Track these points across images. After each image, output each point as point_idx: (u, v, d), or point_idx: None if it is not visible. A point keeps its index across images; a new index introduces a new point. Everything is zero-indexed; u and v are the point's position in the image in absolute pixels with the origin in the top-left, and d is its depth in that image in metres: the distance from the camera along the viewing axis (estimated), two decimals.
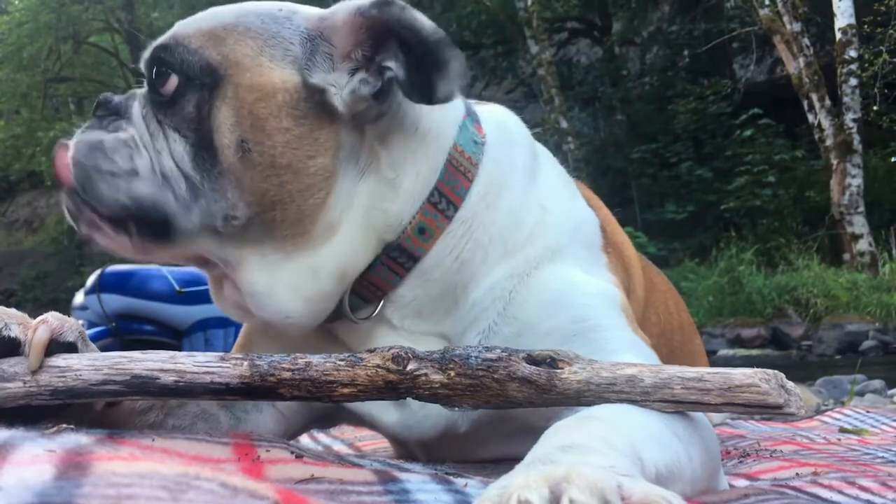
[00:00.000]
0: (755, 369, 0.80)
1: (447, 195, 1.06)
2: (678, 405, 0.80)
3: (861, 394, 3.87)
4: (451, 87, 0.97)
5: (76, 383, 0.77)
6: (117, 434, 0.79)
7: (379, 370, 0.81)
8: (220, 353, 0.82)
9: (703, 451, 0.83)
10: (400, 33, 0.98)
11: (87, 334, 0.86)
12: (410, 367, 0.81)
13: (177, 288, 4.65)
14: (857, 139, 10.85)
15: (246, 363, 0.80)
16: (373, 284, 1.06)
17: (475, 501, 0.53)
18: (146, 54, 1.07)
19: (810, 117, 11.37)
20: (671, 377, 0.80)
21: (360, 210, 1.03)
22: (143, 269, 4.70)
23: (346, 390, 0.81)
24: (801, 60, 11.18)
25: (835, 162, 10.95)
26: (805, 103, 11.36)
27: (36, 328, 0.79)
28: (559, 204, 1.15)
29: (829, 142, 11.04)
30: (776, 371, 0.80)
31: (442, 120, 1.08)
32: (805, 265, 10.69)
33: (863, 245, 10.76)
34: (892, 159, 12.26)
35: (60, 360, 0.78)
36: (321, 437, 1.85)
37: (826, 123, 11.03)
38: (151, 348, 0.83)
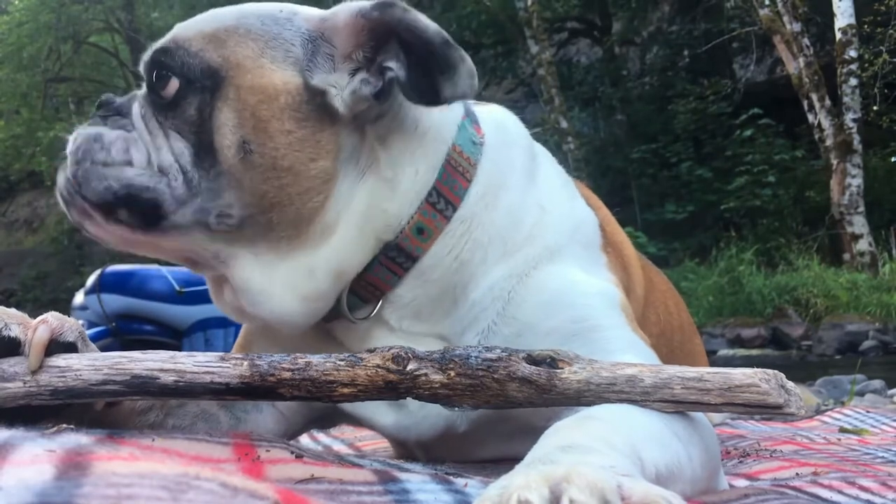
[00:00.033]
0: (755, 369, 0.80)
1: (445, 195, 1.06)
2: (678, 405, 0.80)
3: (861, 394, 3.87)
4: (461, 90, 0.97)
5: (76, 383, 0.77)
6: (117, 434, 0.79)
7: (379, 370, 0.81)
8: (220, 353, 0.82)
9: (703, 451, 0.83)
10: (402, 34, 0.98)
11: (87, 334, 0.86)
12: (410, 367, 0.81)
13: (177, 288, 4.65)
14: (857, 139, 10.85)
15: (246, 363, 0.80)
16: (371, 284, 1.06)
17: (475, 501, 0.53)
18: (146, 57, 1.07)
19: (810, 117, 11.37)
20: (671, 377, 0.80)
21: (359, 210, 1.03)
22: (143, 269, 4.70)
23: (346, 390, 0.81)
24: (801, 60, 11.18)
25: (835, 162, 10.95)
26: (805, 103, 11.36)
27: (36, 328, 0.79)
28: (558, 204, 1.15)
29: (829, 142, 11.04)
30: (776, 371, 0.80)
31: (441, 120, 1.08)
32: (805, 265, 10.69)
33: (863, 245, 10.76)
34: (892, 159, 12.26)
35: (60, 360, 0.78)
36: (321, 437, 1.85)
37: (826, 123, 11.03)
38: (151, 348, 0.83)
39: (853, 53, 10.94)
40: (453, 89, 0.97)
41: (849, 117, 10.91)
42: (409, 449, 1.23)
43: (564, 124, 13.93)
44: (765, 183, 12.27)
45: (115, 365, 0.78)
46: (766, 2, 11.61)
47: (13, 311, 0.82)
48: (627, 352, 0.98)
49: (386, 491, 0.71)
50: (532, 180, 1.14)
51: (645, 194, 14.21)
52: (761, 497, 0.84)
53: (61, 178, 1.05)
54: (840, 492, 0.92)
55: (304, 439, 1.68)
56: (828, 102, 11.04)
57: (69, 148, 1.04)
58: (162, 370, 0.78)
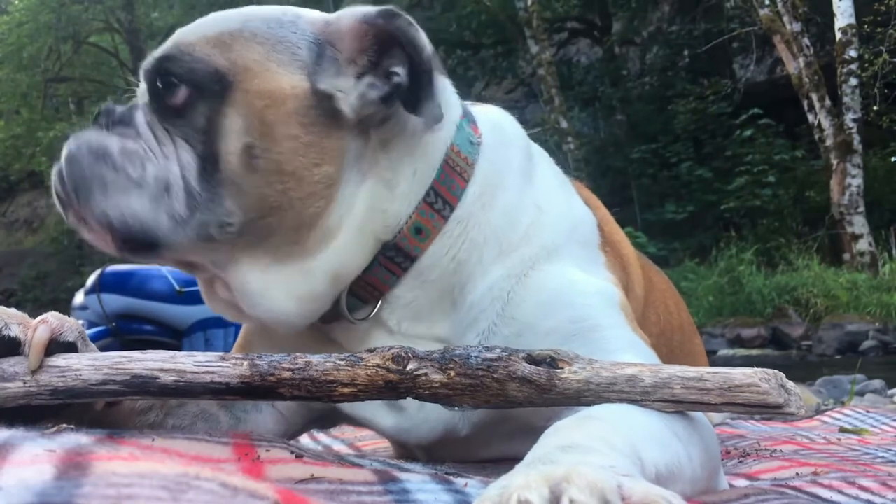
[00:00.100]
0: (755, 369, 0.80)
1: (443, 195, 1.06)
2: (678, 405, 0.80)
3: (861, 394, 3.87)
4: (437, 112, 1.01)
5: (76, 383, 0.77)
6: (117, 434, 0.78)
7: (379, 370, 0.81)
8: (220, 353, 0.82)
9: (702, 450, 0.83)
10: (404, 46, 0.99)
11: (87, 334, 0.86)
12: (410, 366, 0.81)
13: (177, 288, 4.65)
14: (857, 139, 10.85)
15: (246, 363, 0.80)
16: (370, 285, 1.06)
17: (475, 501, 0.53)
18: (147, 65, 1.05)
19: (810, 117, 11.37)
20: (671, 377, 0.80)
21: (360, 213, 1.03)
22: (143, 269, 4.70)
23: (346, 390, 0.81)
24: (801, 60, 11.18)
25: (835, 162, 10.95)
26: (805, 103, 11.35)
27: (36, 328, 0.79)
28: (555, 204, 1.15)
29: (829, 142, 11.04)
30: (776, 371, 0.80)
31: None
32: (805, 265, 10.69)
33: (863, 245, 10.76)
34: (892, 159, 12.26)
35: (60, 360, 0.78)
36: (321, 437, 1.85)
37: (826, 123, 11.03)
38: (151, 348, 0.83)
39: (853, 53, 10.94)
40: (432, 110, 1.01)
41: (849, 117, 10.91)
42: (410, 449, 1.23)
43: (564, 124, 13.93)
44: (765, 183, 12.27)
45: (115, 365, 0.78)
46: (766, 2, 11.61)
47: (13, 311, 0.82)
48: (627, 351, 0.98)
49: (386, 491, 0.71)
50: (529, 180, 1.15)
51: (645, 194, 14.21)
52: (761, 497, 0.84)
53: (57, 178, 1.03)
54: (840, 492, 0.92)
55: (304, 439, 1.68)
56: (828, 102, 11.04)
57: (66, 152, 1.02)
58: (162, 370, 0.78)
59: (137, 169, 1.00)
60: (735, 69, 15.59)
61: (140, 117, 1.04)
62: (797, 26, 11.29)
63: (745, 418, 2.08)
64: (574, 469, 0.51)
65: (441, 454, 1.17)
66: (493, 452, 1.15)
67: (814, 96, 11.12)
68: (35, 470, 0.51)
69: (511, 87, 18.78)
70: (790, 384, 0.80)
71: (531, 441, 0.70)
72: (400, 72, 1.00)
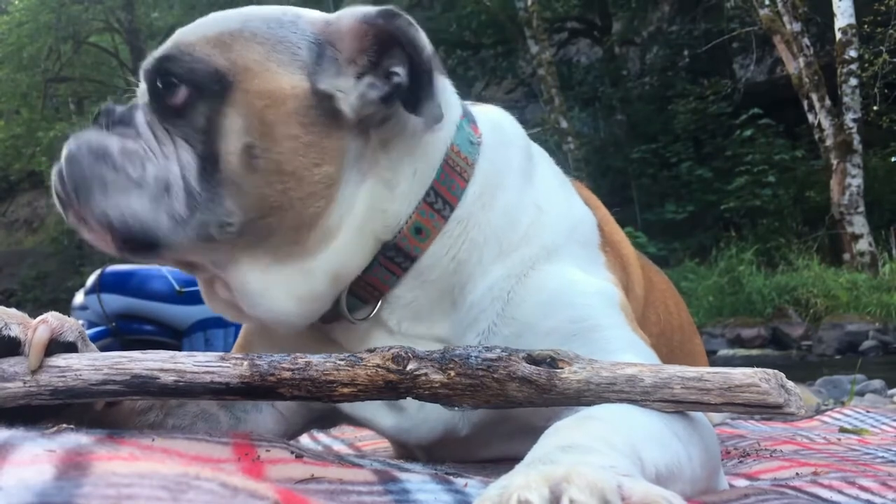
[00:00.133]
0: (755, 369, 0.80)
1: (443, 195, 1.06)
2: (678, 405, 0.80)
3: (861, 394, 3.87)
4: (437, 112, 1.01)
5: (76, 383, 0.77)
6: (117, 434, 0.78)
7: (379, 370, 0.81)
8: (220, 353, 0.82)
9: (702, 450, 0.83)
10: (404, 46, 0.99)
11: (87, 334, 0.86)
12: (410, 366, 0.81)
13: (177, 288, 4.65)
14: (857, 139, 10.85)
15: (246, 363, 0.80)
16: (370, 285, 1.06)
17: (475, 501, 0.53)
18: (147, 65, 1.05)
19: (810, 117, 11.37)
20: (671, 377, 0.80)
21: (360, 213, 1.03)
22: (143, 269, 4.70)
23: (346, 390, 0.81)
24: (801, 60, 11.18)
25: (835, 162, 10.95)
26: (805, 103, 11.35)
27: (36, 328, 0.79)
28: (555, 204, 1.15)
29: (829, 142, 11.04)
30: (776, 371, 0.80)
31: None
32: (805, 265, 10.69)
33: (863, 245, 10.76)
34: (892, 159, 12.25)
35: (60, 360, 0.78)
36: (321, 437, 1.85)
37: (826, 123, 11.03)
38: (151, 348, 0.83)
39: (853, 53, 10.94)
40: (429, 113, 1.01)
41: (849, 117, 10.91)
42: (410, 449, 1.23)
43: (564, 124, 13.93)
44: (765, 183, 12.27)
45: (115, 365, 0.78)
46: (766, 2, 11.61)
47: (13, 311, 0.82)
48: (627, 351, 0.98)
49: (386, 491, 0.71)
50: (529, 180, 1.15)
51: (645, 194, 14.21)
52: (761, 497, 0.84)
53: (56, 178, 1.03)
54: (840, 492, 0.92)
55: (304, 439, 1.68)
56: (828, 102, 11.04)
57: (66, 152, 1.02)
58: (162, 370, 0.78)
59: (137, 169, 0.99)
60: (735, 69, 15.59)
61: (140, 117, 1.04)
62: (797, 26, 11.29)
63: (745, 418, 2.08)
64: (574, 469, 0.51)
65: (441, 454, 1.17)
66: (493, 452, 1.15)
67: (814, 96, 11.12)
68: (35, 470, 0.51)
69: (511, 87, 18.78)
70: (790, 384, 0.80)
71: (531, 441, 0.69)
72: (400, 72, 1.00)
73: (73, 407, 0.83)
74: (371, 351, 0.83)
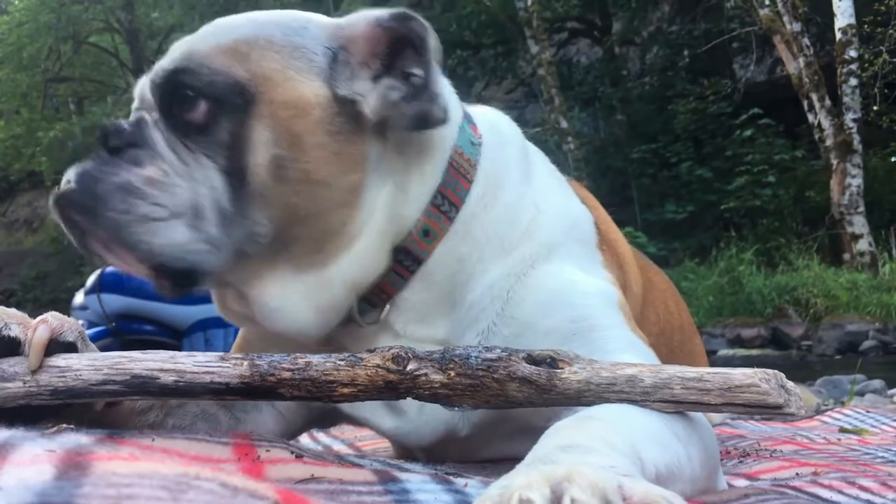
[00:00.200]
0: (755, 369, 0.80)
1: (449, 197, 1.06)
2: (678, 405, 0.80)
3: (861, 394, 3.87)
4: (442, 117, 1.01)
5: (76, 383, 0.77)
6: (117, 434, 0.78)
7: (379, 370, 0.81)
8: (220, 353, 0.82)
9: (702, 450, 0.83)
10: (418, 48, 0.99)
11: (87, 334, 0.86)
12: (410, 367, 0.81)
13: None
14: (857, 139, 10.85)
15: (246, 363, 0.80)
16: (380, 289, 1.05)
17: (476, 501, 0.53)
18: (158, 78, 1.00)
19: (810, 117, 11.37)
20: (671, 377, 0.80)
21: (381, 219, 1.02)
22: None
23: (346, 390, 0.81)
24: (801, 60, 11.18)
25: (835, 162, 10.95)
26: (805, 103, 11.35)
27: (36, 328, 0.79)
28: (553, 202, 1.15)
29: (829, 142, 11.04)
30: (776, 371, 0.80)
31: None
32: (805, 265, 10.68)
33: (863, 245, 10.76)
34: (892, 159, 12.25)
35: (60, 360, 0.78)
36: (321, 437, 1.85)
37: (826, 123, 11.02)
38: (151, 348, 0.83)
39: (853, 53, 10.93)
40: (443, 113, 1.01)
41: (849, 117, 10.91)
42: (410, 449, 1.23)
43: (564, 124, 13.93)
44: (765, 183, 12.27)
45: (115, 365, 0.78)
46: (766, 2, 11.61)
47: (13, 311, 0.82)
48: (627, 351, 0.98)
49: (386, 491, 0.71)
50: (528, 179, 1.15)
51: (645, 194, 14.21)
52: (761, 497, 0.84)
53: (66, 202, 0.96)
54: (840, 492, 0.92)
55: (304, 439, 1.68)
56: (828, 102, 11.04)
57: (74, 182, 0.95)
58: (162, 370, 0.78)
59: (169, 197, 0.95)
60: (735, 69, 15.59)
61: (156, 136, 0.99)
62: (797, 26, 11.29)
63: (745, 418, 2.08)
64: (575, 469, 0.51)
65: (441, 454, 1.17)
66: (492, 453, 1.15)
67: (814, 96, 11.12)
68: (35, 470, 0.51)
69: (511, 87, 18.78)
70: (790, 384, 0.80)
71: (531, 441, 0.69)
72: (418, 73, 1.00)
73: (73, 407, 0.83)
74: (371, 351, 0.83)
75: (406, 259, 1.04)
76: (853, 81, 10.96)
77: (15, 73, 19.60)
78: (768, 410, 0.79)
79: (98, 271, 4.74)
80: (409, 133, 1.04)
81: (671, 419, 0.80)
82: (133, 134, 0.99)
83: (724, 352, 8.81)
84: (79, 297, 4.82)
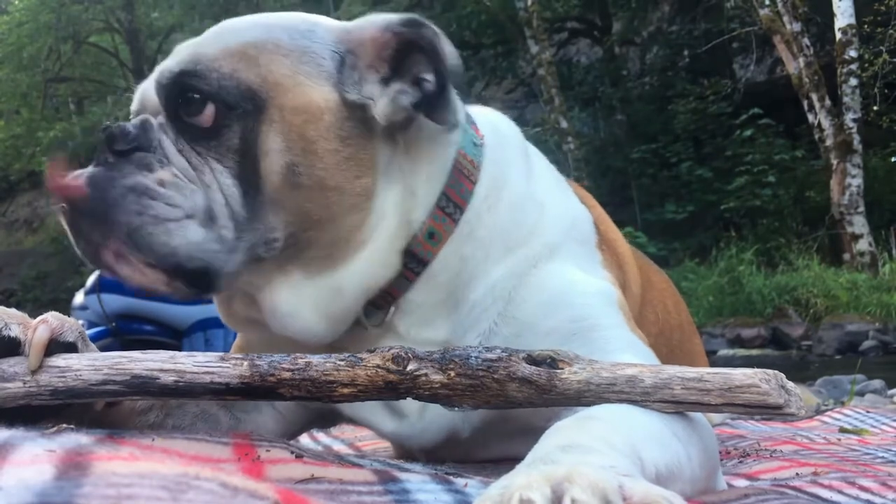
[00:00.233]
0: (755, 370, 0.80)
1: (454, 199, 1.06)
2: (678, 405, 0.80)
3: (861, 394, 3.87)
4: (454, 119, 1.01)
5: (76, 383, 0.77)
6: (117, 434, 0.79)
7: (379, 370, 0.81)
8: (220, 353, 0.82)
9: (702, 450, 0.83)
10: (428, 54, 0.99)
11: (87, 334, 0.86)
12: (410, 367, 0.81)
13: None
14: (857, 139, 10.85)
15: (246, 363, 0.80)
16: (386, 292, 1.05)
17: (476, 501, 0.53)
18: (164, 79, 0.98)
19: (810, 117, 11.37)
20: (671, 377, 0.80)
21: (391, 223, 1.02)
22: None
23: (346, 390, 0.81)
24: (801, 60, 11.18)
25: (835, 162, 10.95)
26: (805, 103, 11.35)
27: (36, 328, 0.79)
28: (554, 202, 1.15)
29: (829, 142, 11.04)
30: (776, 371, 0.80)
31: None
32: (805, 265, 10.68)
33: (863, 245, 10.76)
34: (892, 159, 12.25)
35: (60, 360, 0.78)
36: (321, 437, 1.85)
37: (826, 123, 11.02)
38: (151, 348, 0.83)
39: (853, 53, 10.93)
40: (452, 117, 1.01)
41: (849, 117, 10.91)
42: (410, 450, 1.23)
43: (564, 124, 13.93)
44: (765, 183, 12.27)
45: (115, 365, 0.78)
46: (766, 2, 11.61)
47: (13, 311, 0.82)
48: (627, 351, 0.98)
49: (386, 491, 0.71)
50: (529, 178, 1.15)
51: (645, 194, 14.21)
52: (761, 497, 0.84)
53: (76, 213, 0.94)
54: (840, 492, 0.92)
55: (304, 439, 1.68)
56: (828, 102, 11.04)
57: (91, 186, 0.93)
58: (162, 370, 0.78)
59: (182, 200, 0.94)
60: (735, 69, 15.59)
61: (163, 140, 0.98)
62: (797, 26, 11.29)
63: (745, 418, 2.08)
64: (575, 469, 0.51)
65: (441, 455, 1.17)
66: (492, 453, 1.15)
67: (814, 96, 11.12)
68: (35, 470, 0.51)
69: (511, 87, 18.78)
70: (790, 385, 0.80)
71: (531, 441, 0.69)
72: (430, 78, 0.99)
73: (73, 407, 0.83)
74: (371, 351, 0.83)
75: (411, 262, 1.04)
76: (853, 81, 10.96)
77: (15, 73, 19.60)
78: (768, 411, 0.79)
79: (98, 271, 4.74)
80: (416, 136, 1.04)
81: (671, 419, 0.80)
82: (139, 137, 0.98)
83: (724, 352, 8.81)
84: (79, 297, 4.82)
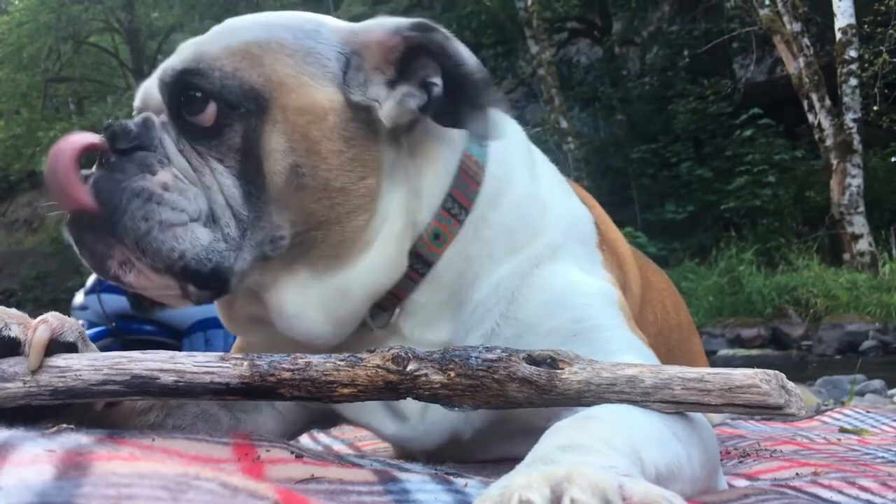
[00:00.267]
0: (756, 370, 0.80)
1: (459, 200, 1.06)
2: (678, 406, 0.80)
3: (861, 394, 3.87)
4: (491, 129, 0.98)
5: (76, 383, 0.77)
6: (117, 434, 0.79)
7: (379, 370, 0.81)
8: (220, 353, 0.82)
9: (702, 450, 0.83)
10: (437, 58, 0.98)
11: (87, 334, 0.86)
12: (410, 367, 0.81)
13: None
14: (857, 139, 10.85)
15: (246, 363, 0.80)
16: (391, 293, 1.05)
17: (476, 501, 0.53)
18: (167, 77, 0.98)
19: (810, 117, 11.37)
20: (672, 378, 0.80)
21: (397, 225, 1.02)
22: None
23: (346, 390, 0.81)
24: (801, 60, 11.18)
25: (835, 162, 10.95)
26: (805, 103, 11.35)
27: (36, 328, 0.79)
28: (557, 202, 1.15)
29: (829, 142, 11.04)
30: (777, 371, 0.80)
31: None
32: (805, 265, 10.69)
33: (863, 245, 10.76)
34: (892, 159, 12.25)
35: (60, 360, 0.78)
36: (321, 437, 1.85)
37: (826, 123, 11.03)
38: (151, 348, 0.83)
39: (853, 53, 10.94)
40: (482, 128, 0.98)
41: (849, 117, 10.91)
42: (410, 451, 1.23)
43: (564, 124, 13.93)
44: (765, 183, 12.27)
45: (115, 365, 0.78)
46: (766, 2, 11.61)
47: (13, 311, 0.82)
48: (627, 352, 0.98)
49: (386, 491, 0.71)
50: (533, 178, 1.15)
51: (645, 194, 14.21)
52: (761, 497, 0.84)
53: (82, 223, 0.94)
54: (840, 492, 0.92)
55: (304, 439, 1.68)
56: (828, 102, 11.04)
57: (96, 193, 0.92)
58: (162, 370, 0.78)
59: (186, 202, 0.94)
60: (735, 69, 15.59)
61: (164, 139, 0.97)
62: (797, 26, 11.29)
63: (745, 418, 2.08)
64: (575, 469, 0.51)
65: (442, 456, 1.17)
66: (492, 454, 1.15)
67: (814, 96, 11.12)
68: (35, 470, 0.51)
69: (511, 87, 18.77)
70: (791, 385, 0.80)
71: (531, 442, 0.69)
72: (438, 82, 0.98)
73: (73, 407, 0.83)
74: (371, 351, 0.83)
75: (417, 263, 1.04)
76: (853, 81, 10.96)
77: (15, 73, 19.61)
78: (769, 411, 0.79)
79: None
80: (421, 138, 1.04)
81: (671, 419, 0.80)
82: (140, 135, 0.97)
83: (724, 352, 8.81)
84: (79, 297, 4.82)
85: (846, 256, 10.94)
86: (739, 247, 11.41)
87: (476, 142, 1.10)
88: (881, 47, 11.36)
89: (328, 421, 1.26)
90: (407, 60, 1.00)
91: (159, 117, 1.00)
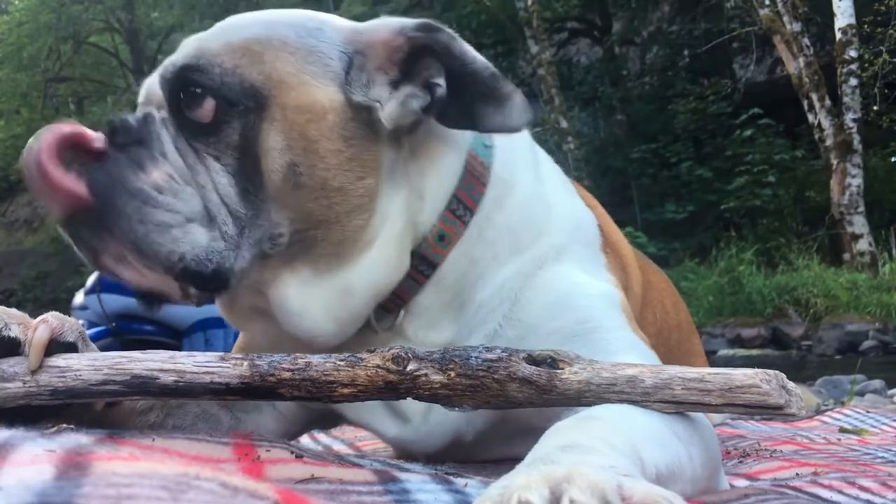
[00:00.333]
0: (756, 370, 0.80)
1: (464, 201, 1.05)
2: (679, 406, 0.80)
3: (861, 394, 3.87)
4: (514, 122, 0.99)
5: (76, 383, 0.77)
6: (117, 434, 0.79)
7: (379, 370, 0.81)
8: (220, 353, 0.82)
9: (703, 450, 0.83)
10: (441, 59, 0.98)
11: (87, 334, 0.86)
12: (410, 367, 0.81)
13: None
14: (857, 139, 10.85)
15: (246, 363, 0.80)
16: (395, 295, 1.04)
17: (476, 501, 0.53)
18: (168, 73, 0.98)
19: (810, 117, 11.38)
20: (672, 378, 0.80)
21: (398, 225, 1.01)
22: None
23: (346, 390, 0.81)
24: (801, 60, 11.18)
25: (835, 162, 10.95)
26: (805, 103, 11.36)
27: (36, 328, 0.79)
28: (562, 203, 1.15)
29: (829, 142, 11.04)
30: (777, 371, 0.80)
31: None
32: (805, 265, 10.69)
33: (863, 245, 10.76)
34: (892, 159, 12.26)
35: (60, 360, 0.78)
36: (321, 437, 1.85)
37: (826, 123, 11.03)
38: (151, 348, 0.83)
39: (853, 53, 10.94)
40: (504, 120, 0.98)
41: (849, 117, 10.92)
42: (411, 453, 1.23)
43: (564, 124, 13.94)
44: (765, 183, 12.28)
45: (115, 365, 0.78)
46: (766, 2, 11.61)
47: (13, 311, 0.82)
48: (629, 353, 0.98)
49: (386, 491, 0.71)
50: (538, 178, 1.15)
51: (645, 194, 14.21)
52: (761, 497, 0.84)
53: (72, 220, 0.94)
54: (840, 492, 0.92)
55: (304, 439, 1.68)
56: (828, 102, 11.05)
57: (93, 191, 0.91)
58: (162, 370, 0.78)
59: (181, 203, 0.93)
60: (735, 69, 15.60)
61: (163, 135, 0.97)
62: (797, 26, 11.29)
63: (746, 418, 2.08)
64: (575, 469, 0.51)
65: (442, 457, 1.17)
66: (493, 454, 1.15)
67: (814, 96, 11.12)
68: (35, 470, 0.51)
69: None
70: (791, 385, 0.80)
71: (531, 442, 0.69)
72: (441, 83, 0.98)
73: (73, 407, 0.83)
74: (371, 351, 0.83)
75: (421, 264, 1.04)
76: (853, 81, 10.96)
77: (15, 73, 19.62)
78: (769, 411, 0.79)
79: (98, 271, 4.73)
80: (424, 140, 1.04)
81: (672, 419, 0.80)
82: (140, 130, 0.97)
83: (724, 352, 8.81)
84: (79, 297, 4.82)
85: (846, 256, 10.94)
86: (739, 247, 11.41)
87: (482, 143, 1.10)
88: (881, 47, 11.36)
89: (329, 421, 1.26)
90: (411, 61, 1.00)
91: (160, 112, 0.99)
